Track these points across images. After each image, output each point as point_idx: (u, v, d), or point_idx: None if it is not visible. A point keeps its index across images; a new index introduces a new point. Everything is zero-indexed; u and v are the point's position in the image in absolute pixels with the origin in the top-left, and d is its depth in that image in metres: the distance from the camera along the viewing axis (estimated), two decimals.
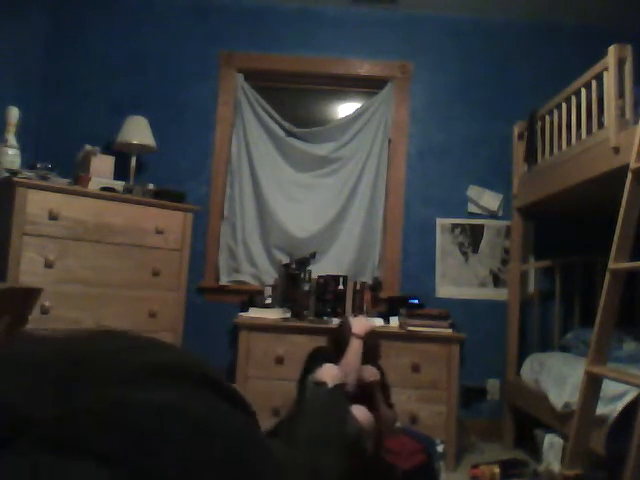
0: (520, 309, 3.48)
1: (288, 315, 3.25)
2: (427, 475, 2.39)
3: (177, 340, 3.06)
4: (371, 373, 2.28)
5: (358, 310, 3.36)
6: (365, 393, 2.23)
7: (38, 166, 2.74)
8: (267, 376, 3.01)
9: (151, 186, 3.12)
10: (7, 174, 2.61)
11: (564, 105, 2.85)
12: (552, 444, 2.60)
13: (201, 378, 0.39)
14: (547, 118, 3.10)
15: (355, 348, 2.30)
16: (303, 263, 3.36)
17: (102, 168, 3.10)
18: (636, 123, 2.18)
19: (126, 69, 3.65)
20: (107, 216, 2.82)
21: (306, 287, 3.33)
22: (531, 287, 3.60)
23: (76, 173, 2.96)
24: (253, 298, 3.32)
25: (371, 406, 2.13)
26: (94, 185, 2.91)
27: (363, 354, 2.31)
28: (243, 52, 3.70)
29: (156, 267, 2.97)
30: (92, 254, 2.78)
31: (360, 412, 1.98)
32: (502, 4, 3.62)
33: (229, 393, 0.41)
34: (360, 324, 2.39)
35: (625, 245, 2.03)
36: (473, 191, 3.66)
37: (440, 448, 2.67)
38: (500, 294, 3.59)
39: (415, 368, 3.02)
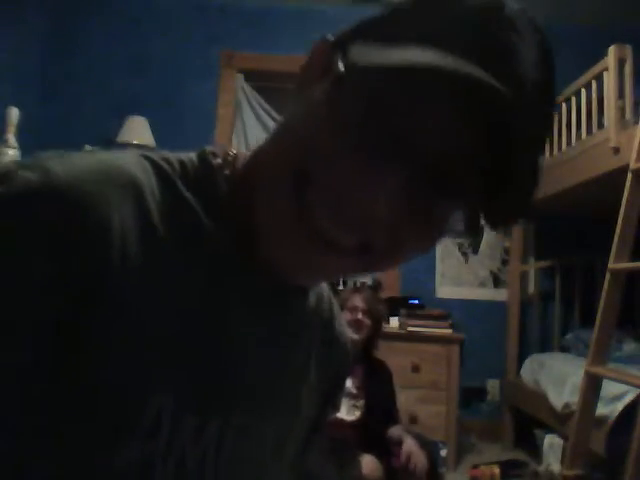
0: (520, 309, 3.48)
1: None
2: None
3: None
4: (370, 467, 2.02)
5: None
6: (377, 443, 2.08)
7: None
8: None
9: None
10: None
11: (564, 105, 2.85)
12: (552, 444, 2.60)
13: None
14: None
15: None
16: None
17: None
18: (636, 123, 2.18)
19: (126, 69, 3.65)
20: None
21: None
22: (531, 287, 3.60)
23: None
24: None
25: (381, 455, 2.01)
26: None
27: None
28: (243, 52, 3.70)
29: None
30: None
31: (368, 463, 1.90)
32: None
33: None
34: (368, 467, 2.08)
35: (625, 245, 2.03)
36: None
37: (443, 452, 2.65)
38: (500, 294, 3.58)
39: (415, 368, 3.01)
